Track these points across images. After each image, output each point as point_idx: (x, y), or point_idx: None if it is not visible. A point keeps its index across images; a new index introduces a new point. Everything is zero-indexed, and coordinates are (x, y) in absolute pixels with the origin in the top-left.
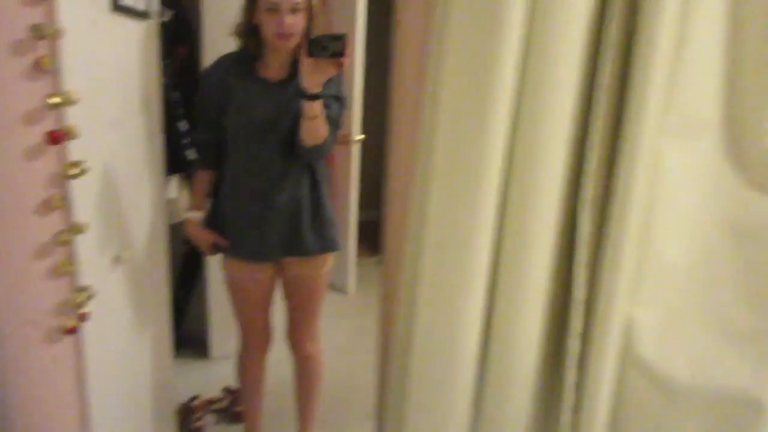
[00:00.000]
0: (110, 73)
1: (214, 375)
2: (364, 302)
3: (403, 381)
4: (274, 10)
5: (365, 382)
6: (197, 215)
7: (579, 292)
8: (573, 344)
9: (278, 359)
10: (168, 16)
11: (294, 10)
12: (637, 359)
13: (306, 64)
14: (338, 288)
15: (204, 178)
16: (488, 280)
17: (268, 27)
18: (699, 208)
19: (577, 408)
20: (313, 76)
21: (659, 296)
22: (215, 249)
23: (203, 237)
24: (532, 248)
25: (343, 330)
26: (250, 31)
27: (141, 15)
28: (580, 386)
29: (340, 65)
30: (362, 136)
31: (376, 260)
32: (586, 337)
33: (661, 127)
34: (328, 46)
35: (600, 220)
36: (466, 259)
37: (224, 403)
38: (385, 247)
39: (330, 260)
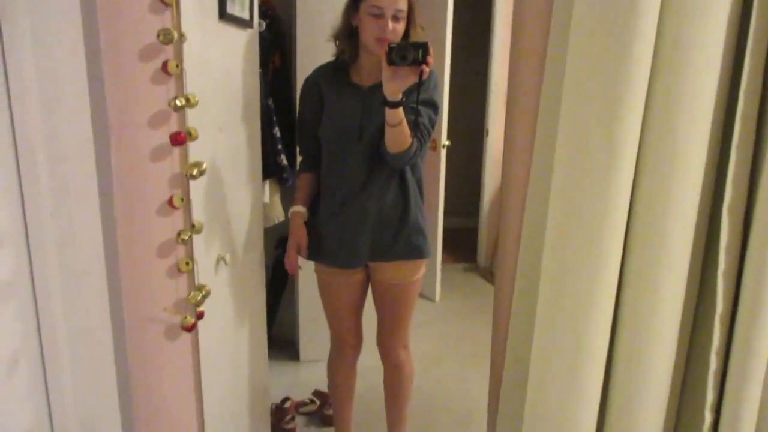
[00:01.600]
0: (217, 79)
1: (304, 378)
2: (449, 309)
3: (517, 392)
4: (378, 15)
5: (453, 389)
6: (302, 209)
7: (719, 304)
8: (712, 361)
9: (369, 365)
10: (264, 26)
11: (396, 17)
12: None
13: (386, 71)
14: (423, 295)
15: (306, 178)
16: (615, 290)
17: (370, 31)
18: None
19: (716, 430)
20: (393, 84)
21: None
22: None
23: (300, 234)
24: (666, 257)
25: (429, 337)
26: (348, 33)
27: (244, 24)
28: (718, 407)
29: (421, 73)
30: (448, 142)
31: (461, 267)
32: (726, 353)
33: None
34: (408, 54)
35: (742, 228)
36: (591, 266)
37: (314, 407)
38: (499, 258)
39: (422, 268)
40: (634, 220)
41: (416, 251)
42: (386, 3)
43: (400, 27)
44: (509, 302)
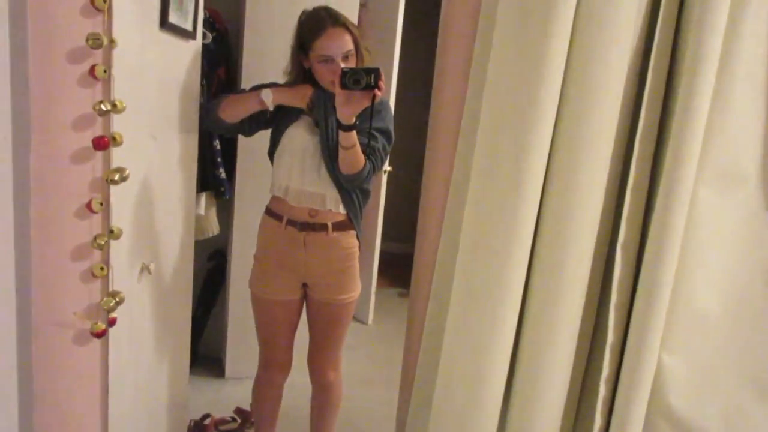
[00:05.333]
0: (154, 87)
1: (227, 395)
2: (381, 332)
3: (423, 415)
4: (329, 61)
5: (378, 412)
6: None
7: (610, 335)
8: (601, 388)
9: (296, 384)
10: (209, 38)
11: (346, 57)
12: (666, 409)
13: (340, 95)
14: (356, 317)
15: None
16: (517, 318)
17: (324, 75)
18: (736, 258)
19: None
20: (346, 108)
21: (691, 344)
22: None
23: (299, 90)
24: (565, 289)
25: (359, 359)
26: (303, 76)
27: (187, 35)
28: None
29: (373, 98)
30: (390, 168)
31: (396, 292)
32: (615, 382)
33: (698, 175)
34: (361, 79)
35: (634, 264)
36: (497, 294)
37: (235, 425)
38: (413, 280)
39: (357, 288)
40: (538, 253)
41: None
42: (333, 51)
43: (351, 64)
44: (421, 325)
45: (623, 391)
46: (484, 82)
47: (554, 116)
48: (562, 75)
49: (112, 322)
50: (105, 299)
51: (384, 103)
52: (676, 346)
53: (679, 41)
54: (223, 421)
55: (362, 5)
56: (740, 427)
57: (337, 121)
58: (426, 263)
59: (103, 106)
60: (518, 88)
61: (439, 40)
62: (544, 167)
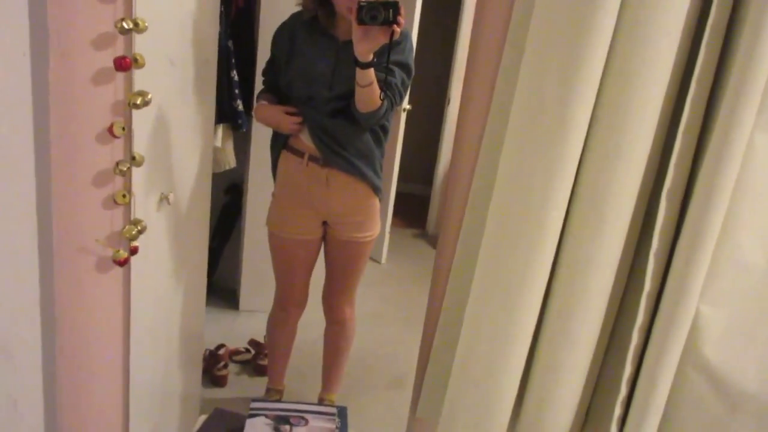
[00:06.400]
0: (173, 11)
1: (241, 327)
2: (394, 272)
3: (446, 355)
4: None
5: (390, 350)
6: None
7: (647, 283)
8: (634, 336)
9: (309, 320)
10: None
11: None
12: (699, 359)
13: (356, 31)
14: (370, 256)
15: (268, 95)
16: (551, 262)
17: (342, 2)
18: None
19: (629, 403)
20: (363, 45)
21: (732, 297)
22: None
23: (284, 117)
24: (603, 233)
25: (372, 298)
26: (319, 2)
27: None
28: (635, 381)
29: (391, 34)
30: (409, 107)
31: (410, 233)
32: (648, 330)
33: (756, 119)
34: (378, 14)
35: (679, 211)
36: (532, 236)
37: (249, 356)
38: (443, 220)
39: (377, 226)
40: (578, 195)
41: (366, 178)
42: None
43: None
44: (449, 266)
45: (657, 341)
46: (531, 11)
47: (606, 51)
48: (618, 5)
49: (134, 251)
50: (127, 227)
51: (404, 34)
52: (716, 298)
53: None
54: (237, 352)
55: None
56: None
57: (354, 57)
58: (457, 203)
59: (125, 24)
60: (569, 17)
61: None
62: (592, 106)
